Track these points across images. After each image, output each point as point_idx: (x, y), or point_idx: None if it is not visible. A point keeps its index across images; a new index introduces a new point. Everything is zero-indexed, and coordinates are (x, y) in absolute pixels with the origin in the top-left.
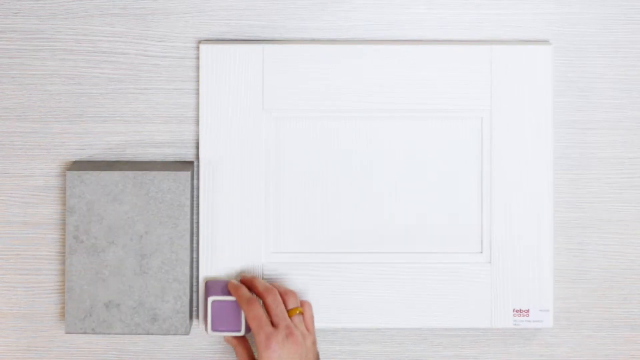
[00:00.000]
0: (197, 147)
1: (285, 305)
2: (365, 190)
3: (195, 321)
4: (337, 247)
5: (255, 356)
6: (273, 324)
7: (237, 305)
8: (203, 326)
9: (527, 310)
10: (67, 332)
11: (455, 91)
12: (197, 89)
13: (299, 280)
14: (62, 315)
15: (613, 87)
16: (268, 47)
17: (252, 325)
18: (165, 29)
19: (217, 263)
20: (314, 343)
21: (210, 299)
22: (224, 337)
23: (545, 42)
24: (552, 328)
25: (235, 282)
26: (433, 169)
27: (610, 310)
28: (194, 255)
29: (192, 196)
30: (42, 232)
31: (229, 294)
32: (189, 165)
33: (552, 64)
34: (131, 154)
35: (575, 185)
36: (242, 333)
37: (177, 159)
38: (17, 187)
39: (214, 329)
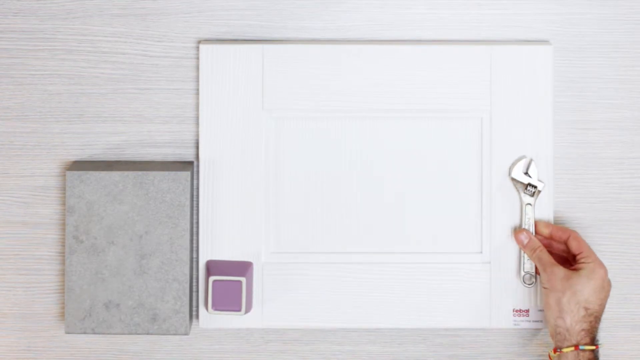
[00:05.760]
0: (197, 147)
1: None
2: (364, 190)
3: (195, 321)
4: (337, 247)
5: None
6: None
7: (238, 284)
8: (204, 307)
9: (527, 310)
10: (67, 332)
11: (455, 91)
12: (197, 89)
13: (299, 279)
14: (62, 315)
15: (613, 87)
16: (268, 47)
17: None
18: (165, 29)
19: None
20: None
21: (211, 278)
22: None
23: (545, 42)
24: None
25: None
26: (433, 169)
27: (610, 310)
28: (194, 255)
29: (192, 196)
30: (42, 232)
31: (229, 274)
32: (188, 165)
33: (552, 64)
34: (131, 154)
35: (575, 185)
36: (242, 313)
37: (177, 159)
38: (17, 187)
39: (214, 308)
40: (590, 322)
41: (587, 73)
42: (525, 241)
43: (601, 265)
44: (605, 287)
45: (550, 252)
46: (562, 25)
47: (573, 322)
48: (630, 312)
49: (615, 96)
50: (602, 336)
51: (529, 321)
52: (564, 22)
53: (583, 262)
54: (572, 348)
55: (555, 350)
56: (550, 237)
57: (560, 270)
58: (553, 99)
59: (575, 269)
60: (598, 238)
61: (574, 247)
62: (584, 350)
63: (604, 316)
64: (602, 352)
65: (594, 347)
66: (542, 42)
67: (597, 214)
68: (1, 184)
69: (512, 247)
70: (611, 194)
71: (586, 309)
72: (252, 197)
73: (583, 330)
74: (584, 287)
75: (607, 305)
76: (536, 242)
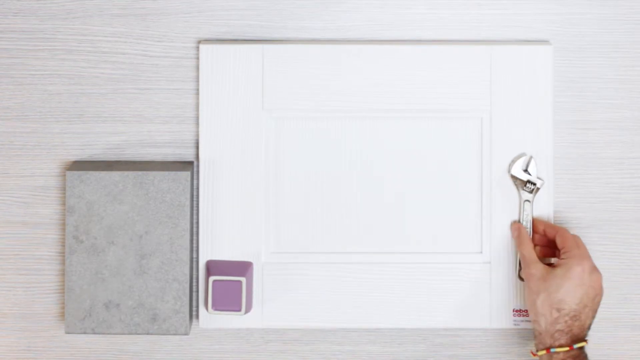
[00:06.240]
0: (197, 147)
1: None
2: (364, 190)
3: (195, 321)
4: (337, 247)
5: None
6: None
7: (238, 284)
8: (204, 307)
9: (527, 310)
10: (67, 332)
11: (455, 91)
12: (197, 89)
13: (299, 279)
14: (62, 315)
15: (613, 87)
16: (268, 47)
17: None
18: (165, 29)
19: None
20: None
21: (211, 278)
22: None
23: (545, 42)
24: None
25: None
26: (433, 169)
27: (610, 310)
28: (194, 255)
29: (192, 196)
30: (42, 232)
31: (229, 274)
32: (188, 165)
33: (552, 64)
34: (131, 154)
35: (575, 185)
36: (242, 313)
37: (177, 159)
38: (17, 187)
39: (214, 308)
40: (566, 321)
41: (587, 73)
42: (515, 234)
43: (580, 261)
44: (585, 283)
45: (556, 250)
46: (562, 25)
47: (547, 324)
48: (630, 312)
49: (615, 96)
50: (601, 336)
51: (529, 321)
52: (564, 22)
53: (562, 259)
54: (545, 351)
55: (533, 353)
56: (544, 234)
57: (537, 270)
58: (553, 99)
59: (554, 266)
60: (598, 238)
61: (558, 243)
62: (556, 352)
63: (604, 316)
64: (603, 352)
65: (566, 349)
66: (542, 42)
67: (597, 214)
68: (1, 184)
69: (512, 247)
70: (611, 194)
71: (559, 310)
72: (252, 197)
73: (558, 331)
74: (558, 286)
75: (607, 306)
76: (524, 237)
